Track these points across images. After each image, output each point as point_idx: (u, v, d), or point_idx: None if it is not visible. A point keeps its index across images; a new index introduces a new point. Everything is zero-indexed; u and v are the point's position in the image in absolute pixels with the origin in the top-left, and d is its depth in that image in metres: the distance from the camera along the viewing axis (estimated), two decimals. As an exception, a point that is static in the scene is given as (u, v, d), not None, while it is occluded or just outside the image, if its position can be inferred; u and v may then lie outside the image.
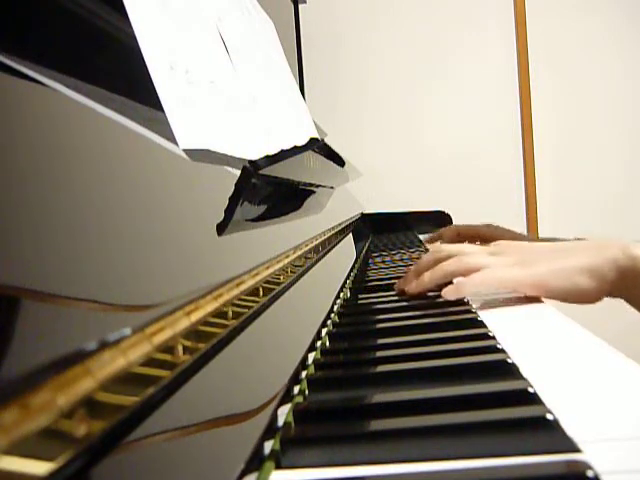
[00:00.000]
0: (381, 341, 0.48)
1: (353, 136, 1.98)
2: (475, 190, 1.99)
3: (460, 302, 0.59)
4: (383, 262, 1.01)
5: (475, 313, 0.54)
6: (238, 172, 0.44)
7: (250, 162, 0.45)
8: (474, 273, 0.59)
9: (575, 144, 2.00)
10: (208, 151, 0.37)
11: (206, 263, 0.32)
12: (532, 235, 1.87)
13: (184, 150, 0.34)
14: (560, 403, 0.31)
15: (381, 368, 0.40)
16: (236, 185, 0.43)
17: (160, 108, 0.34)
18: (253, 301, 0.38)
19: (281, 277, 0.47)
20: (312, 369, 0.41)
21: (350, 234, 1.10)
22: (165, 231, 0.29)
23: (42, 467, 0.15)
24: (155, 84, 0.34)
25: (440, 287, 0.62)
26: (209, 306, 0.29)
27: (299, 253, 0.56)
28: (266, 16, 0.77)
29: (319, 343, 0.48)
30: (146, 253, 0.26)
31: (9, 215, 0.19)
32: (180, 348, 0.25)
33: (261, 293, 0.40)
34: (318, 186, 0.89)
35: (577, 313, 0.57)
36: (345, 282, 0.76)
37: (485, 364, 0.38)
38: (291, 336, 0.45)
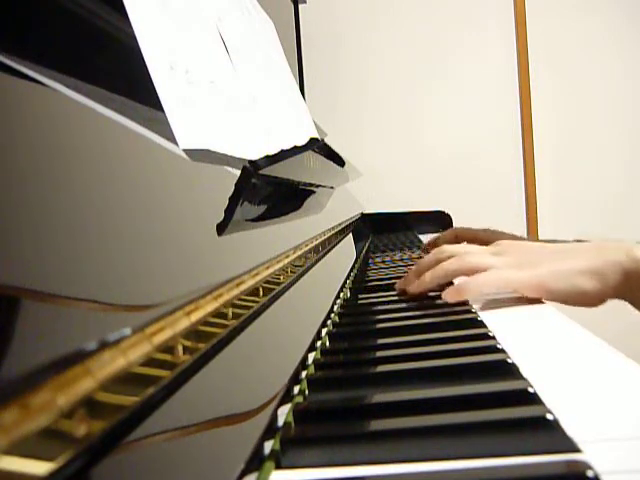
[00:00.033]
0: (381, 341, 0.48)
1: (353, 136, 1.98)
2: (475, 190, 1.99)
3: (460, 302, 0.59)
4: (383, 262, 1.01)
5: (475, 313, 0.54)
6: (238, 172, 0.44)
7: (250, 162, 0.45)
8: (476, 274, 0.59)
9: (575, 144, 2.00)
10: (208, 151, 0.37)
11: (206, 263, 0.32)
12: (532, 237, 1.87)
13: (184, 150, 0.34)
14: (560, 403, 0.31)
15: (381, 368, 0.40)
16: (236, 185, 0.43)
17: (160, 108, 0.34)
18: (253, 301, 0.38)
19: (281, 277, 0.47)
20: (312, 369, 0.41)
21: (350, 234, 1.10)
22: (165, 231, 0.29)
23: (42, 467, 0.15)
24: (155, 84, 0.34)
25: (441, 287, 0.62)
26: (209, 306, 0.29)
27: (299, 253, 0.56)
28: (266, 16, 0.77)
29: (319, 343, 0.48)
30: (146, 253, 0.26)
31: (9, 215, 0.19)
32: (180, 348, 0.25)
33: (261, 293, 0.40)
34: (318, 186, 0.89)
35: (577, 313, 0.56)
36: (345, 282, 0.75)
37: (485, 364, 0.38)
38: (291, 336, 0.45)
